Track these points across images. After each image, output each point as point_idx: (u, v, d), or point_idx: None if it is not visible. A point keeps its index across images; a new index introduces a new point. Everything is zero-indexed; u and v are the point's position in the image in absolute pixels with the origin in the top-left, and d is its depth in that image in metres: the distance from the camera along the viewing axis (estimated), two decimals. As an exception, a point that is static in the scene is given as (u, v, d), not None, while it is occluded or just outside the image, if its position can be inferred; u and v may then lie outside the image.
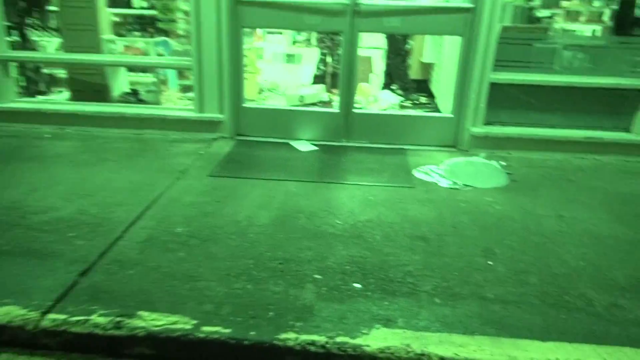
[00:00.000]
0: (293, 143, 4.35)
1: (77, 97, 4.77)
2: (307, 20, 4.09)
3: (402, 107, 5.84)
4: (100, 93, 4.73)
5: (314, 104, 5.84)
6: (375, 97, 6.09)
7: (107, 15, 4.78)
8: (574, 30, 4.24)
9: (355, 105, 5.16)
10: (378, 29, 4.12)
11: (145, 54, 4.67)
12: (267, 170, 3.69)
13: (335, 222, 2.90)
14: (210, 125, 4.41)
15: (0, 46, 4.39)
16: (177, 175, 3.54)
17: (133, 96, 4.81)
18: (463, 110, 4.21)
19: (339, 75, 6.93)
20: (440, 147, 4.34)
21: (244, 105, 4.45)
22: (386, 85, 6.52)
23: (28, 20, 5.15)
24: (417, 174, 3.72)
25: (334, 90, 6.18)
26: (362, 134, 4.41)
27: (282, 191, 3.33)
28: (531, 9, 4.38)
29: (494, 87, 4.10)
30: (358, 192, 3.35)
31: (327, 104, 5.76)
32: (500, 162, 3.99)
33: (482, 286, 2.30)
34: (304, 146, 4.30)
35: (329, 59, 6.51)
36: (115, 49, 4.63)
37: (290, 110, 4.41)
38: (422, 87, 6.54)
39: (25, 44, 5.08)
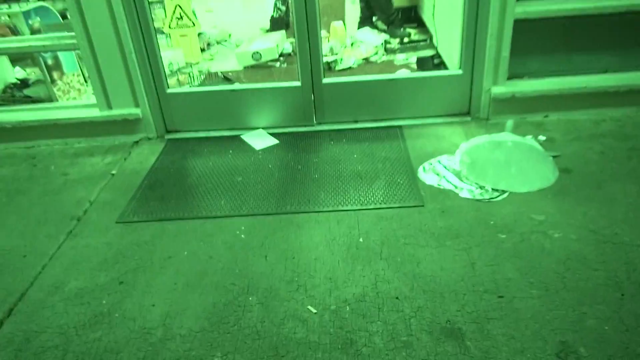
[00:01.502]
0: (245, 136, 3.11)
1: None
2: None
3: (388, 50, 4.49)
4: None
5: (276, 61, 4.49)
6: (353, 39, 4.72)
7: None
8: None
9: (325, 64, 3.87)
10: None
11: (12, 30, 3.28)
12: (205, 197, 2.50)
13: (306, 311, 1.78)
14: (126, 125, 3.15)
15: None
16: (68, 228, 2.37)
17: (21, 89, 3.48)
18: (478, 63, 2.94)
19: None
20: (449, 117, 3.11)
21: (169, 91, 3.15)
22: (365, 20, 5.10)
23: None
24: (424, 175, 2.54)
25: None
26: (339, 110, 3.16)
27: (225, 241, 2.18)
28: None
29: (519, 23, 2.80)
30: (339, 230, 2.19)
31: (293, 57, 4.44)
32: (537, 137, 2.79)
33: None
34: (259, 140, 3.06)
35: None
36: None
37: (233, 91, 3.13)
38: (410, 17, 5.13)
39: None
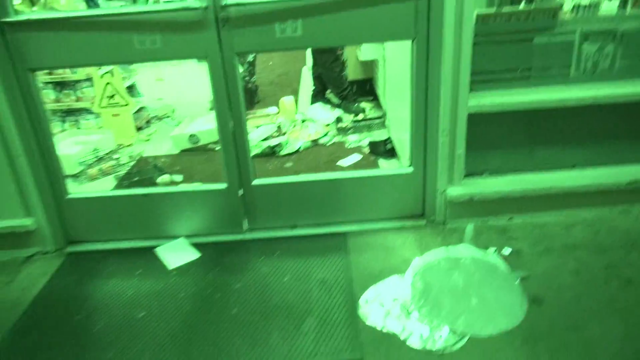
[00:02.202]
0: (161, 249, 2.61)
1: None
2: (139, 43, 2.29)
3: (340, 130, 4.12)
4: None
5: (217, 143, 4.06)
6: (304, 116, 4.36)
7: None
8: (594, 5, 2.55)
9: (269, 148, 3.49)
10: (268, 45, 2.37)
11: None
12: (89, 348, 1.95)
13: None
14: (15, 238, 2.62)
15: None
16: None
17: None
18: (430, 161, 2.55)
19: (255, 91, 5.19)
20: (401, 220, 2.68)
21: (70, 196, 2.66)
22: (319, 94, 4.77)
23: None
24: (367, 309, 2.06)
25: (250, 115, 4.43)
26: (274, 214, 2.70)
27: None
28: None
29: (475, 117, 2.44)
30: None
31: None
32: (502, 250, 2.37)
33: None
34: (176, 254, 2.56)
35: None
36: None
37: (147, 195, 2.66)
38: (365, 90, 4.83)
39: None
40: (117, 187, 3.48)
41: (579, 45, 2.40)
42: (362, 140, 3.85)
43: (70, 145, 3.95)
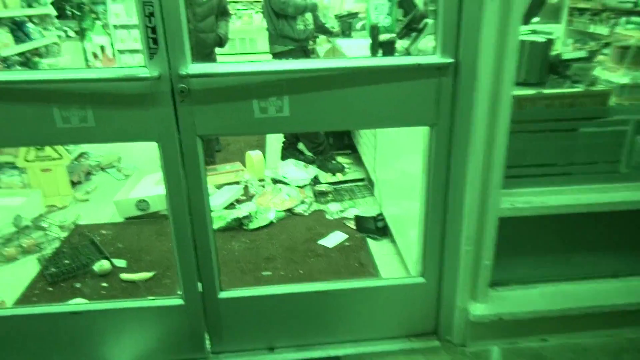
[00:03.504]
0: (88, 389, 1.92)
1: None
2: (62, 121, 1.64)
3: (317, 194, 3.54)
4: None
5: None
6: (274, 173, 3.76)
7: None
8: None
9: (235, 221, 2.94)
10: (244, 126, 1.76)
11: None
12: None
13: None
14: None
15: None
16: None
17: None
18: (447, 270, 2.00)
19: (217, 139, 4.43)
20: (409, 340, 2.11)
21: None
22: (289, 148, 4.19)
23: None
24: None
25: (209, 172, 3.78)
26: (246, 333, 2.07)
27: None
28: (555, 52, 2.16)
29: (505, 219, 1.91)
30: None
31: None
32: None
33: None
34: (110, 399, 1.88)
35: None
36: None
37: (75, 313, 1.98)
38: (342, 143, 4.29)
39: None
40: (40, 274, 2.74)
41: (632, 137, 1.93)
42: (346, 211, 3.28)
43: (-17, 214, 3.19)
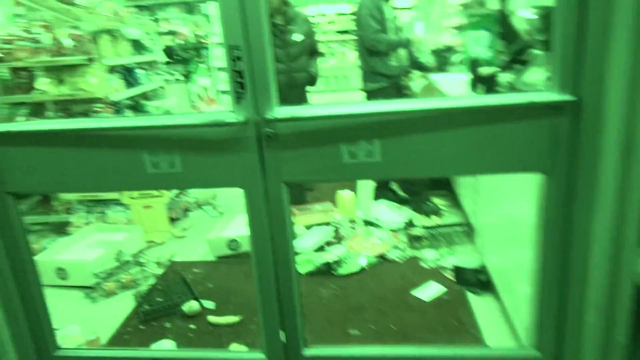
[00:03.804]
0: None
1: None
2: (152, 166, 1.64)
3: (411, 239, 3.31)
4: None
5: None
6: (365, 215, 3.60)
7: None
8: None
9: (324, 265, 2.82)
10: (332, 172, 1.65)
11: None
12: None
13: None
14: (-21, 412, 1.95)
15: None
16: None
17: None
18: (568, 346, 1.68)
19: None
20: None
21: (60, 353, 1.98)
22: (381, 188, 4.02)
23: None
24: None
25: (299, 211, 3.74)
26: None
27: None
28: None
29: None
30: None
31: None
32: None
33: None
34: None
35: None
36: None
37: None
38: (438, 181, 4.04)
39: None
40: (135, 311, 2.80)
41: None
42: (443, 259, 3.01)
43: (90, 248, 3.38)
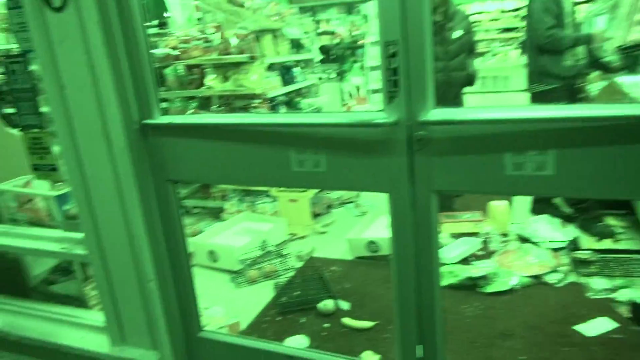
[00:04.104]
0: None
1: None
2: (297, 164, 1.62)
3: (577, 262, 2.88)
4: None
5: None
6: (520, 230, 3.26)
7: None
8: None
9: (468, 280, 2.61)
10: (490, 184, 1.45)
11: (49, 214, 2.66)
12: None
13: None
14: (135, 374, 2.15)
15: None
16: None
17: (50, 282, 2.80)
18: None
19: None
20: None
21: (203, 335, 2.10)
22: (542, 201, 3.59)
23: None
24: None
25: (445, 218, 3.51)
26: None
27: None
28: None
29: None
30: None
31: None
32: None
33: None
34: None
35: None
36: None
37: (291, 358, 1.94)
38: (616, 201, 3.47)
39: None
40: (273, 301, 2.88)
41: None
42: (616, 291, 2.56)
43: (239, 235, 3.58)
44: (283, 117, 1.61)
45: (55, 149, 2.04)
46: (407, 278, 1.62)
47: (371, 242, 3.23)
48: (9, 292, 2.73)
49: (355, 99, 7.60)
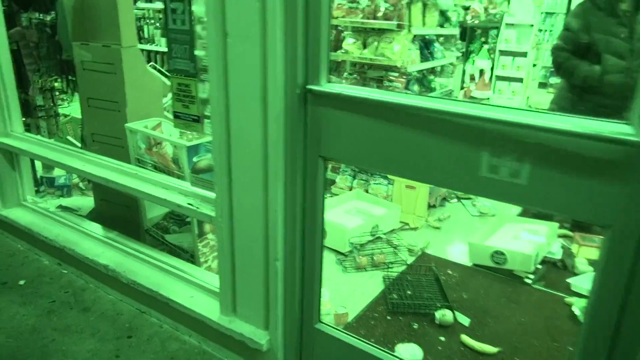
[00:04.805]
0: None
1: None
2: (488, 169, 1.32)
3: None
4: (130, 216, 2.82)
5: (528, 274, 2.85)
6: None
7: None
8: None
9: None
10: None
11: (174, 161, 2.55)
12: None
13: None
14: (241, 348, 2.03)
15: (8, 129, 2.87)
16: None
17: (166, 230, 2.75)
18: None
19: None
20: None
21: (319, 327, 1.92)
22: None
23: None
24: None
25: (582, 241, 3.09)
26: None
27: None
28: None
29: None
30: None
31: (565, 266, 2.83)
32: None
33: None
34: None
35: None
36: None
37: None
38: None
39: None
40: (383, 295, 2.66)
41: None
42: None
43: (349, 214, 3.37)
44: (481, 109, 1.31)
45: (203, 98, 1.90)
46: (602, 342, 1.30)
47: (498, 253, 2.88)
48: (123, 230, 2.74)
49: (477, 83, 7.03)
